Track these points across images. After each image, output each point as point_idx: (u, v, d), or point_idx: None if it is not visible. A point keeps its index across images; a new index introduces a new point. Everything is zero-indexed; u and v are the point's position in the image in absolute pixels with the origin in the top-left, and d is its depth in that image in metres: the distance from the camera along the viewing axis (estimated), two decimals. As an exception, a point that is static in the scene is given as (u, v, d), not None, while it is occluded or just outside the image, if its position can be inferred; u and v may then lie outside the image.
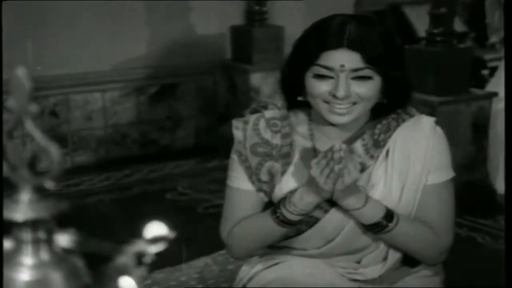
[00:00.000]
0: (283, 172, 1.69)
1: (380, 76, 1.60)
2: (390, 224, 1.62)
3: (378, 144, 1.68)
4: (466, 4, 5.28)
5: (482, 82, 4.42)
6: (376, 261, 1.71)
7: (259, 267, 1.77)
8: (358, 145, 1.69)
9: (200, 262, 2.48)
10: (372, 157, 1.68)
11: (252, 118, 1.73)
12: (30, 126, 0.67)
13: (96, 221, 3.46)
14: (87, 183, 4.21)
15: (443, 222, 1.69)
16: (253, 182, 1.71)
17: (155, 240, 0.72)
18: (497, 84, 3.90)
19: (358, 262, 1.72)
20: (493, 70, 4.43)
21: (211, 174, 4.28)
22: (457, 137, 3.45)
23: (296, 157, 1.70)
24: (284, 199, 1.65)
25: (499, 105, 3.75)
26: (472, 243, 3.34)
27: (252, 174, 1.71)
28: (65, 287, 0.68)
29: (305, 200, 1.61)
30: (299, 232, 1.70)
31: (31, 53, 4.23)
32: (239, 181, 1.73)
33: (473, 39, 5.14)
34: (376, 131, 1.69)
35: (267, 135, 1.71)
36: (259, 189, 1.71)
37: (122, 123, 4.64)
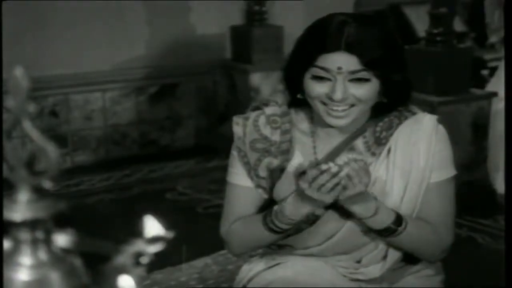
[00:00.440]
0: (282, 169, 1.69)
1: (378, 78, 1.60)
2: (399, 228, 1.63)
3: (380, 142, 1.68)
4: (466, 4, 5.28)
5: (482, 82, 4.42)
6: (376, 260, 1.71)
7: (259, 267, 1.77)
8: (359, 142, 1.69)
9: (200, 262, 2.48)
10: (373, 154, 1.68)
11: (252, 114, 1.74)
12: (28, 126, 0.67)
13: (96, 221, 3.46)
14: (87, 183, 4.21)
15: (445, 219, 1.70)
16: (251, 178, 1.71)
17: (153, 240, 0.72)
18: (497, 84, 3.90)
19: (359, 261, 1.72)
20: (493, 70, 4.43)
21: (211, 174, 4.28)
22: (457, 137, 3.44)
23: (296, 154, 1.70)
24: (275, 208, 1.65)
25: (499, 105, 3.75)
26: (472, 243, 3.34)
27: (251, 170, 1.71)
28: (64, 287, 0.68)
29: (300, 211, 1.61)
30: (299, 230, 1.70)
31: (31, 53, 4.23)
32: (238, 177, 1.73)
33: (473, 39, 5.15)
34: (378, 128, 1.69)
35: (266, 131, 1.71)
36: (258, 185, 1.72)
37: (122, 123, 4.64)
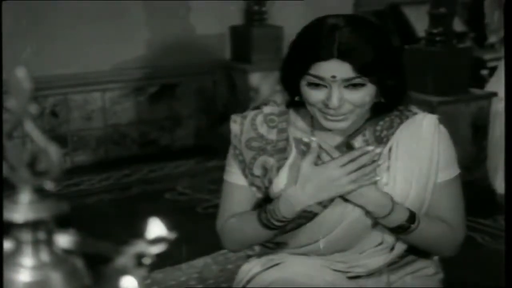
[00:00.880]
0: (279, 167, 1.69)
1: (373, 83, 1.60)
2: (412, 226, 1.64)
3: (381, 141, 1.69)
4: (466, 4, 5.28)
5: (481, 82, 4.42)
6: (380, 254, 1.72)
7: (258, 268, 1.77)
8: (359, 141, 1.69)
9: (200, 262, 2.49)
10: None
11: (251, 113, 1.75)
12: (29, 127, 0.67)
13: (96, 221, 3.46)
14: (86, 183, 4.20)
15: (457, 216, 1.72)
16: (246, 176, 1.72)
17: (155, 241, 0.72)
18: (496, 84, 3.90)
19: (361, 253, 1.73)
20: (493, 70, 4.43)
21: (211, 174, 4.28)
22: (456, 137, 3.43)
23: (293, 152, 1.70)
24: (269, 206, 1.65)
25: (498, 105, 3.75)
26: (472, 243, 3.33)
27: (246, 168, 1.71)
28: (65, 288, 0.68)
29: (293, 209, 1.61)
30: (297, 226, 1.70)
31: (31, 53, 4.23)
32: (233, 175, 1.74)
33: (472, 39, 5.15)
34: (378, 127, 1.70)
35: (263, 129, 1.72)
36: (252, 184, 1.72)
37: (121, 123, 4.64)
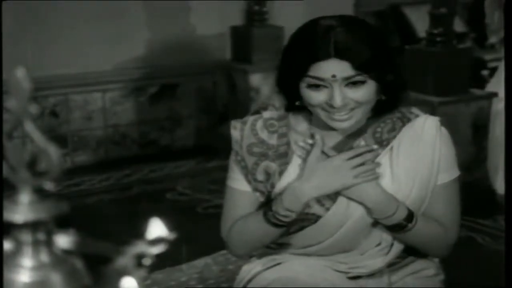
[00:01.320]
0: (281, 172, 1.69)
1: (373, 79, 1.60)
2: (409, 225, 1.65)
3: (381, 143, 1.69)
4: (466, 4, 5.28)
5: (482, 83, 4.42)
6: (380, 254, 1.72)
7: (259, 267, 1.77)
8: (359, 143, 1.69)
9: (200, 262, 2.49)
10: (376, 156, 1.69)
11: (250, 118, 1.74)
12: (29, 127, 0.67)
13: (96, 221, 3.46)
14: (87, 183, 4.20)
15: (451, 218, 1.73)
16: (249, 182, 1.72)
17: (155, 241, 0.72)
18: (497, 85, 3.90)
19: (362, 254, 1.73)
20: (493, 70, 4.43)
21: (211, 174, 4.28)
22: (457, 137, 3.43)
23: (294, 157, 1.70)
24: (274, 201, 1.65)
25: (499, 106, 3.75)
26: (472, 243, 3.33)
27: (248, 173, 1.71)
28: (65, 288, 0.68)
29: (299, 200, 1.62)
30: (301, 228, 1.70)
31: (31, 53, 4.23)
32: (236, 181, 1.74)
33: (473, 39, 5.15)
34: (379, 129, 1.70)
35: (263, 135, 1.71)
36: (255, 189, 1.72)
37: (122, 123, 4.64)
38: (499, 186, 3.77)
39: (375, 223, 1.68)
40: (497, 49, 4.67)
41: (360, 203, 1.65)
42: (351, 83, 1.58)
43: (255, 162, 1.71)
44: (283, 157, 1.70)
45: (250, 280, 1.78)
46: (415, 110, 1.74)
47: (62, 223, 0.70)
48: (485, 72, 4.77)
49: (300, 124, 1.73)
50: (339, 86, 1.57)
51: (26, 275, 0.68)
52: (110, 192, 4.09)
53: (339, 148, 1.70)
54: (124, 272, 0.69)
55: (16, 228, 0.68)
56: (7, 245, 0.69)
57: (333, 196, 1.66)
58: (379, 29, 1.73)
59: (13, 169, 0.68)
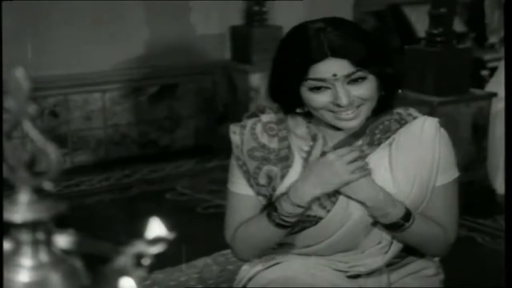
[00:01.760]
0: (282, 176, 1.69)
1: (374, 74, 1.60)
2: (407, 224, 1.65)
3: (372, 143, 1.69)
4: (466, 4, 5.28)
5: (481, 83, 4.42)
6: (379, 253, 1.72)
7: (259, 267, 1.77)
8: (358, 144, 1.70)
9: (200, 262, 2.49)
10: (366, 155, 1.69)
11: (249, 122, 1.73)
12: (29, 127, 0.67)
13: (95, 222, 3.46)
14: (86, 183, 4.20)
15: (450, 219, 1.73)
16: (251, 186, 1.71)
17: (154, 241, 0.72)
18: (496, 85, 3.90)
19: (363, 252, 1.73)
20: (493, 70, 4.43)
21: (211, 174, 4.28)
22: (456, 137, 3.44)
23: (296, 160, 1.70)
24: (277, 202, 1.65)
25: (498, 105, 3.75)
26: (472, 243, 3.33)
27: (250, 178, 1.71)
28: (64, 288, 0.68)
29: (313, 192, 1.62)
30: (301, 229, 1.70)
31: (31, 53, 4.23)
32: (239, 185, 1.73)
33: (472, 39, 5.15)
34: (377, 130, 1.70)
35: (264, 139, 1.71)
36: (258, 193, 1.71)
37: (121, 123, 4.64)
38: (499, 186, 3.77)
39: (375, 223, 1.68)
40: (497, 49, 4.67)
41: (359, 202, 1.65)
42: (353, 80, 1.58)
43: (257, 167, 1.70)
44: (285, 161, 1.70)
45: (249, 280, 1.78)
46: (413, 111, 1.74)
47: (61, 222, 0.70)
48: (485, 72, 4.77)
49: (299, 127, 1.73)
50: (342, 85, 1.57)
51: (26, 275, 0.68)
52: (110, 192, 4.09)
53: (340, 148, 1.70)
54: (123, 272, 0.69)
55: (16, 228, 0.68)
56: (7, 245, 0.69)
57: (334, 199, 1.66)
58: (374, 30, 1.74)
59: (12, 169, 0.68)
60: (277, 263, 1.76)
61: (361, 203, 1.64)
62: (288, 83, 1.63)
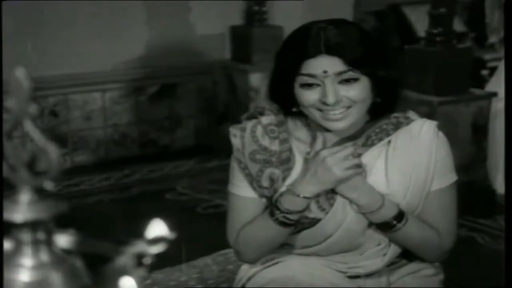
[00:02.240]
0: (284, 178, 1.69)
1: (366, 76, 1.60)
2: (398, 224, 1.64)
3: (366, 144, 1.69)
4: (466, 4, 5.28)
5: (481, 82, 4.42)
6: (378, 255, 1.72)
7: (258, 266, 1.77)
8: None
9: (200, 262, 2.49)
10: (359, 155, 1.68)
11: (249, 125, 1.73)
12: (29, 127, 0.67)
13: (95, 221, 3.46)
14: (86, 183, 4.20)
15: (447, 224, 1.71)
16: (254, 189, 1.71)
17: (155, 241, 0.72)
18: (496, 84, 3.90)
19: (362, 254, 1.73)
20: (493, 70, 4.43)
21: (211, 174, 4.28)
22: (456, 137, 3.44)
23: (297, 162, 1.70)
24: (279, 201, 1.65)
25: (498, 105, 3.75)
26: (472, 243, 3.33)
27: (253, 180, 1.70)
28: (64, 288, 0.68)
29: (309, 189, 1.62)
30: (300, 230, 1.70)
31: (31, 53, 4.23)
32: (241, 188, 1.73)
33: (472, 39, 5.14)
34: (373, 134, 1.70)
35: (265, 141, 1.71)
36: (261, 195, 1.71)
37: (121, 123, 4.64)
38: (499, 186, 3.77)
39: (372, 223, 1.68)
40: (497, 49, 4.67)
41: (351, 200, 1.64)
42: (345, 80, 1.58)
43: (260, 169, 1.70)
44: (286, 163, 1.70)
45: (249, 279, 1.78)
46: (411, 114, 1.73)
47: (61, 222, 0.70)
48: (485, 72, 4.77)
49: (298, 129, 1.73)
50: (332, 83, 1.57)
51: (26, 275, 0.68)
52: (110, 192, 4.09)
53: None
54: (123, 272, 0.69)
55: (16, 227, 0.68)
56: (7, 244, 0.69)
57: (332, 201, 1.66)
58: (374, 30, 1.73)
59: (12, 168, 0.68)
60: (277, 263, 1.76)
61: (354, 201, 1.64)
62: (283, 79, 1.63)
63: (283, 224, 1.65)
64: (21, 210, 0.68)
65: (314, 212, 1.67)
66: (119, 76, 4.58)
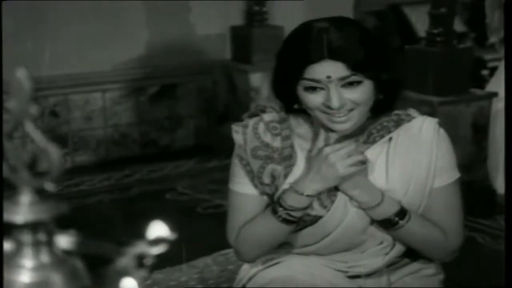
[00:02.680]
0: (286, 175, 1.69)
1: (370, 78, 1.59)
2: (401, 222, 1.64)
3: (368, 141, 1.69)
4: (466, 4, 5.28)
5: (482, 82, 4.42)
6: (379, 254, 1.72)
7: (259, 266, 1.77)
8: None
9: (200, 262, 2.49)
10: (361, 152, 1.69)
11: (251, 122, 1.73)
12: (30, 128, 0.67)
13: (96, 222, 3.46)
14: (87, 183, 4.20)
15: (452, 223, 1.71)
16: (255, 186, 1.71)
17: (156, 242, 0.72)
18: (497, 84, 3.89)
19: (363, 252, 1.73)
20: (493, 70, 4.43)
21: (211, 174, 4.28)
22: (457, 137, 3.44)
23: (299, 159, 1.70)
24: (282, 199, 1.65)
25: (499, 105, 3.75)
26: (472, 243, 3.33)
27: (254, 177, 1.70)
28: (65, 289, 0.68)
29: (312, 187, 1.61)
30: (301, 228, 1.70)
31: (31, 53, 4.23)
32: (242, 185, 1.72)
33: (473, 39, 5.14)
34: (374, 131, 1.70)
35: (267, 138, 1.70)
36: (263, 192, 1.71)
37: (122, 123, 4.64)
38: (499, 186, 3.76)
39: (374, 221, 1.67)
40: (497, 49, 4.67)
41: (352, 197, 1.64)
42: (348, 83, 1.58)
43: (261, 166, 1.70)
44: (288, 160, 1.70)
45: (249, 279, 1.78)
46: (412, 112, 1.73)
47: (61, 222, 0.70)
48: (485, 72, 4.77)
49: (301, 126, 1.73)
50: (335, 87, 1.57)
51: (27, 276, 0.68)
52: (110, 192, 4.09)
53: None
54: (124, 273, 0.69)
55: (17, 228, 0.68)
56: (8, 245, 0.69)
57: (333, 198, 1.66)
58: (374, 30, 1.72)
59: (13, 169, 0.68)
60: (277, 263, 1.76)
61: (354, 198, 1.64)
62: (285, 81, 1.63)
63: (286, 221, 1.65)
64: (22, 211, 0.68)
65: (316, 209, 1.66)
66: (119, 76, 4.58)
